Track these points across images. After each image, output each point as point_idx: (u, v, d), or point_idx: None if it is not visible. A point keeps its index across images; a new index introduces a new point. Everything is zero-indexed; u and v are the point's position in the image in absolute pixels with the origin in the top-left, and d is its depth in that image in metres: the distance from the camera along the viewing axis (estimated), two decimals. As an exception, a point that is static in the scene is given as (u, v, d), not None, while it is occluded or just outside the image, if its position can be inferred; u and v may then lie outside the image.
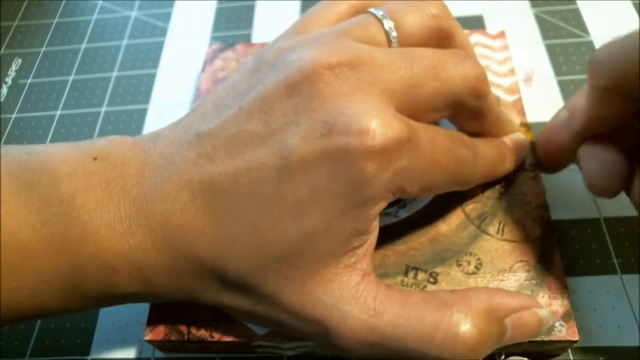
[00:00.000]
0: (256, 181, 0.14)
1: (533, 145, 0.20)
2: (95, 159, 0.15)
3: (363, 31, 0.15)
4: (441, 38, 0.16)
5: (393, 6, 0.16)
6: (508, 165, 0.18)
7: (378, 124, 0.13)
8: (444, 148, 0.15)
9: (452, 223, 0.19)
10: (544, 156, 0.19)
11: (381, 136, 0.13)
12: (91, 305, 0.16)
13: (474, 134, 0.17)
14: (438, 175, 0.15)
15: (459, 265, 0.18)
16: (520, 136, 0.19)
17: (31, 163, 0.15)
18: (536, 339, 0.16)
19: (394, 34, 0.15)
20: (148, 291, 0.15)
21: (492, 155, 0.17)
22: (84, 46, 0.31)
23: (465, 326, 0.14)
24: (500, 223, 0.18)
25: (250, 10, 0.31)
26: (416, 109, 0.15)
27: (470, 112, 0.16)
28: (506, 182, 0.19)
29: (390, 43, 0.16)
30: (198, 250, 0.14)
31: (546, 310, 0.15)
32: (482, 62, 0.23)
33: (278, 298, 0.14)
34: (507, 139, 0.18)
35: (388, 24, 0.15)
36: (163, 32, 0.30)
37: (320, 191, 0.13)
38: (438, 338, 0.13)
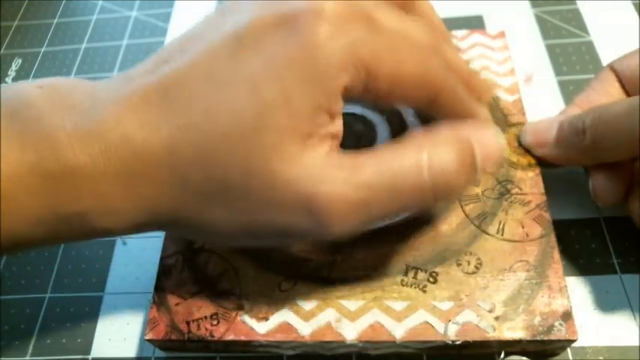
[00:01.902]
0: (210, 66, 0.13)
1: (532, 145, 0.20)
2: (40, 87, 0.14)
3: None
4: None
5: None
6: (478, 109, 0.18)
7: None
8: (408, 39, 0.14)
9: (452, 223, 0.19)
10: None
11: (329, 7, 0.13)
12: (43, 232, 0.14)
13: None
14: (404, 59, 0.14)
15: (458, 265, 0.18)
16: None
17: None
18: (535, 338, 0.16)
19: None
20: (103, 207, 0.14)
21: (463, 88, 0.17)
22: (84, 46, 0.31)
23: (443, 149, 0.14)
24: (500, 222, 0.19)
25: (250, 10, 0.31)
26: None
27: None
28: (506, 182, 0.19)
29: None
30: (152, 147, 0.13)
31: (497, 130, 0.15)
32: (482, 62, 0.23)
33: (247, 186, 0.13)
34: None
35: None
36: (163, 32, 0.30)
37: (274, 60, 0.13)
38: (426, 167, 0.14)
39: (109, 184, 0.14)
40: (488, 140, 0.15)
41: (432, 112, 0.17)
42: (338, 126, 0.14)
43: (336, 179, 0.13)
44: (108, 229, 0.15)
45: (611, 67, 0.19)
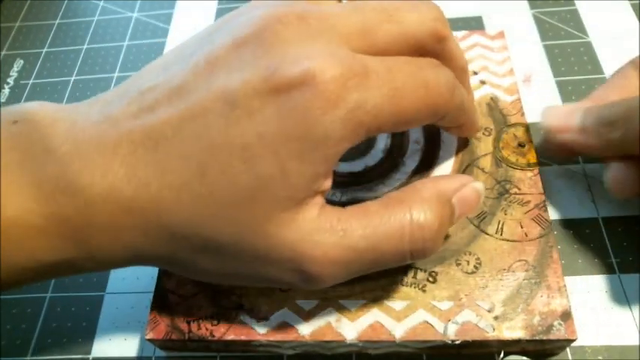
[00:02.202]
0: (202, 127, 0.13)
1: (553, 130, 0.19)
2: (15, 122, 0.14)
3: None
4: None
5: None
6: (477, 120, 0.19)
7: (318, 63, 0.13)
8: (406, 74, 0.14)
9: (451, 223, 0.19)
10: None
11: (321, 74, 0.13)
12: (28, 278, 0.14)
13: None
14: (406, 103, 0.14)
15: (458, 265, 0.18)
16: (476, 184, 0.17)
17: None
18: (534, 338, 0.16)
19: None
20: (87, 255, 0.14)
21: (468, 95, 0.17)
22: (85, 46, 0.31)
23: (426, 215, 0.14)
24: (499, 222, 0.19)
25: (251, 11, 0.31)
26: (377, 54, 0.14)
27: (435, 57, 0.16)
28: (505, 182, 0.19)
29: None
30: (142, 203, 0.13)
31: (480, 183, 0.16)
32: (482, 63, 0.23)
33: (238, 245, 0.14)
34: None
35: None
36: (165, 33, 0.31)
37: (269, 134, 0.13)
38: (407, 233, 0.14)
39: (94, 235, 0.14)
40: (469, 197, 0.16)
41: (438, 124, 0.17)
42: (330, 181, 0.14)
43: (326, 243, 0.14)
44: (93, 270, 0.15)
45: (634, 63, 0.19)
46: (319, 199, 0.14)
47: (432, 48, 0.15)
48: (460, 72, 0.17)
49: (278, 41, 0.13)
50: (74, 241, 0.14)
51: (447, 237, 0.18)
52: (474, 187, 0.16)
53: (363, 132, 0.14)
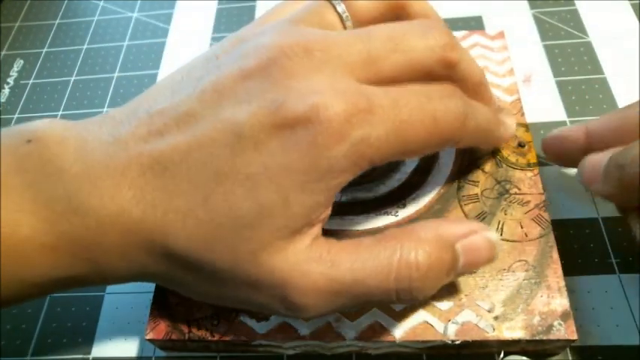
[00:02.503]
0: (208, 156, 0.14)
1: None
2: (29, 141, 0.14)
3: (316, 17, 0.15)
4: (396, 13, 0.16)
5: None
6: (503, 131, 0.18)
7: (322, 100, 0.13)
8: (413, 107, 0.14)
9: (451, 223, 0.19)
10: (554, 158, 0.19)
11: (324, 111, 0.13)
12: (37, 292, 0.15)
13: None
14: (412, 136, 0.14)
15: (458, 265, 0.18)
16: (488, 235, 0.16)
17: None
18: (534, 338, 0.16)
19: (347, 15, 0.16)
20: (96, 272, 0.15)
21: (487, 112, 0.17)
22: (85, 46, 0.31)
23: (416, 254, 0.14)
24: (499, 222, 0.19)
25: (251, 11, 0.31)
26: (385, 82, 0.14)
27: (447, 79, 0.15)
28: (505, 182, 0.19)
29: (344, 27, 0.16)
30: (148, 224, 0.14)
31: (496, 233, 0.15)
32: (482, 63, 0.23)
33: (233, 272, 0.14)
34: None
35: (341, 7, 0.16)
36: (165, 33, 0.31)
37: (273, 166, 0.13)
38: (394, 270, 0.14)
39: (104, 253, 0.14)
40: (479, 246, 0.15)
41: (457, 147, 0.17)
42: (329, 210, 0.14)
43: (312, 272, 0.14)
44: (100, 284, 0.16)
45: None
46: (315, 230, 0.14)
47: (443, 74, 0.15)
48: (477, 87, 0.16)
49: (284, 75, 0.14)
50: (84, 259, 0.14)
51: (456, 289, 0.17)
52: (486, 236, 0.15)
53: (366, 164, 0.14)
